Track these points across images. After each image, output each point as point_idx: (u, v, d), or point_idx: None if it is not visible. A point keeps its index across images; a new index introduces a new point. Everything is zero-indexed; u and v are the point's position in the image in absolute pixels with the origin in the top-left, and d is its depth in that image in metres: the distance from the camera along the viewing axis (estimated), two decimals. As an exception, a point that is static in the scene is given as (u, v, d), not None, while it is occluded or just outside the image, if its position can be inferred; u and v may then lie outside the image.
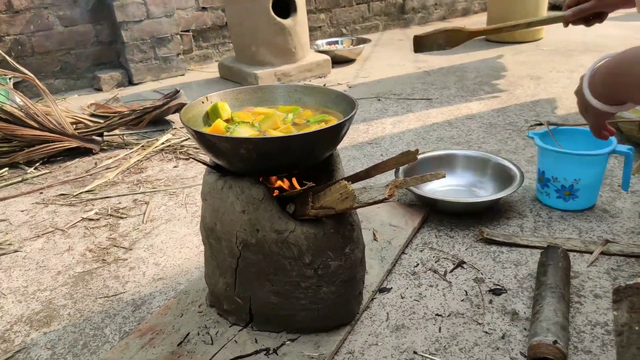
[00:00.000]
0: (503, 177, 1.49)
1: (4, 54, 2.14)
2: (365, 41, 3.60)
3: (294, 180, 1.06)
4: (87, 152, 2.09)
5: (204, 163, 1.03)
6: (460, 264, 1.22)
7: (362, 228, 1.07)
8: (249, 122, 1.02)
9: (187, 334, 1.02)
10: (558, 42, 3.50)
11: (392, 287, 1.15)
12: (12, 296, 1.24)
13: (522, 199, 1.49)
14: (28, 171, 1.95)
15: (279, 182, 1.03)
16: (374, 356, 0.96)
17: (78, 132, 2.07)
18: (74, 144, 2.04)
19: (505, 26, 1.29)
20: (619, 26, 3.89)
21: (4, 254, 1.42)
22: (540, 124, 2.05)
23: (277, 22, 2.86)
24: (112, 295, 1.21)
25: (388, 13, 4.45)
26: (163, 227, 1.50)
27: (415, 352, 0.97)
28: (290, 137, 0.91)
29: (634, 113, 1.82)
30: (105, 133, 2.16)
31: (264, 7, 2.81)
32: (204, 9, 3.49)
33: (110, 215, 1.59)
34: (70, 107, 2.48)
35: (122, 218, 1.57)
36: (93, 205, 1.67)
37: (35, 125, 1.97)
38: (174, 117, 2.39)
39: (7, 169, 1.97)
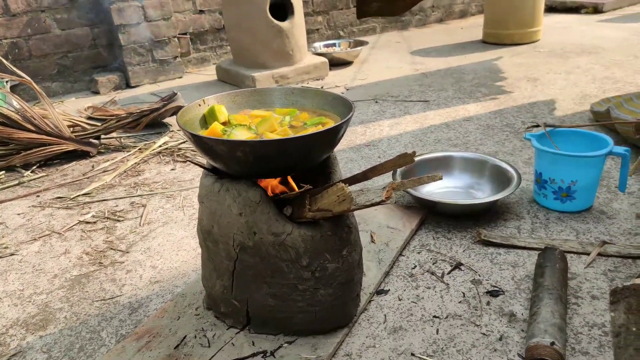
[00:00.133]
0: (500, 178, 1.49)
1: (1, 58, 2.14)
2: (362, 43, 3.60)
3: (291, 182, 1.06)
4: (84, 155, 2.09)
5: (201, 166, 1.03)
6: (458, 265, 1.22)
7: (360, 230, 1.07)
8: (246, 125, 1.02)
9: (184, 337, 1.01)
10: (555, 44, 3.51)
11: (389, 289, 1.15)
12: (7, 299, 1.23)
13: (520, 201, 1.50)
14: (25, 174, 1.95)
15: (281, 187, 1.03)
16: (371, 358, 0.96)
17: (75, 135, 2.07)
18: (71, 146, 2.04)
19: None
20: (616, 28, 3.91)
21: (0, 257, 1.41)
22: (538, 126, 2.04)
23: (274, 24, 2.87)
24: (108, 298, 1.20)
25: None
26: (160, 230, 1.49)
27: (412, 354, 0.96)
28: (287, 139, 0.91)
29: (630, 114, 1.82)
30: (102, 136, 2.15)
31: (262, 10, 2.81)
32: (201, 11, 3.49)
33: (107, 218, 1.59)
34: (68, 110, 2.48)
35: (119, 221, 1.57)
36: (90, 208, 1.66)
37: (32, 128, 1.97)
38: (171, 120, 2.39)
39: (3, 172, 1.96)
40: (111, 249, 1.42)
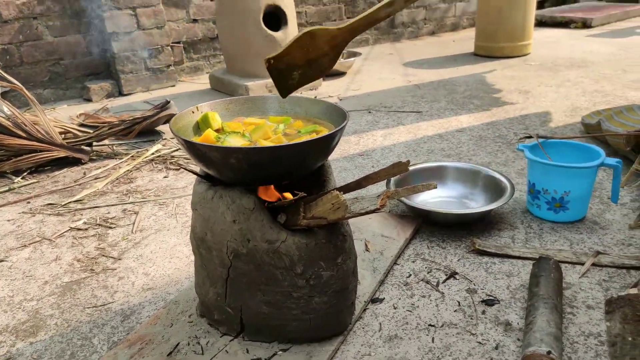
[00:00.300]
0: (494, 189, 1.50)
1: (-8, 63, 2.13)
2: (355, 54, 3.62)
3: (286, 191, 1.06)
4: (75, 162, 2.07)
5: (195, 173, 1.02)
6: (453, 274, 1.22)
7: (354, 239, 1.07)
8: (240, 132, 1.01)
9: (177, 344, 1.00)
10: (545, 58, 3.55)
11: (384, 298, 1.15)
12: (-3, 307, 1.21)
13: (513, 211, 1.50)
14: (15, 180, 1.92)
15: (275, 194, 1.02)
16: (366, 367, 0.95)
17: (67, 142, 2.05)
18: (62, 153, 2.02)
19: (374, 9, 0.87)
20: (605, 42, 3.96)
21: (-11, 264, 1.39)
22: (530, 137, 2.05)
23: (268, 34, 2.87)
24: (100, 305, 1.19)
25: (378, 27, 4.49)
26: (153, 237, 1.48)
27: (408, 363, 0.96)
28: (281, 147, 0.91)
29: (621, 127, 1.84)
30: (94, 143, 2.14)
31: (255, 20, 2.82)
32: (194, 20, 3.50)
33: (99, 225, 1.57)
34: (59, 117, 2.47)
35: (111, 228, 1.55)
36: (81, 215, 1.64)
37: (23, 134, 1.95)
38: (164, 128, 2.38)
39: (-7, 178, 1.94)
40: (103, 255, 1.40)
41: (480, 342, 1.00)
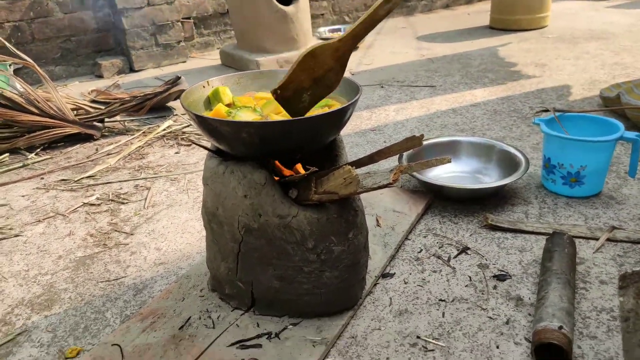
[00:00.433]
0: (508, 163, 1.48)
1: (4, 41, 2.12)
2: (368, 28, 3.56)
3: (298, 165, 1.05)
4: (88, 138, 2.08)
5: (206, 148, 1.02)
6: (464, 249, 1.21)
7: (366, 214, 1.06)
8: (251, 107, 1.00)
9: (189, 318, 1.01)
10: (563, 30, 3.46)
11: (395, 273, 1.14)
12: (13, 280, 1.23)
13: (527, 186, 1.48)
14: (29, 157, 1.94)
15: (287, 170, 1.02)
16: (376, 341, 0.96)
17: (79, 118, 2.05)
18: (74, 130, 2.03)
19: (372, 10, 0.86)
20: (625, 13, 3.85)
21: (4, 238, 1.41)
22: (546, 111, 2.03)
23: (278, 9, 2.84)
24: (113, 280, 1.20)
25: (391, 0, 4.41)
26: (164, 213, 1.49)
27: (418, 337, 0.96)
28: (293, 121, 0.90)
29: (641, 100, 1.80)
30: (106, 119, 2.14)
31: (266, -7, 2.79)
32: (205, -5, 3.46)
33: (112, 200, 1.58)
34: (71, 94, 2.47)
35: (123, 203, 1.56)
36: (94, 190, 1.66)
37: (36, 111, 1.96)
38: (175, 104, 2.38)
39: (7, 154, 1.96)
40: (115, 230, 1.41)
41: (490, 317, 0.99)
